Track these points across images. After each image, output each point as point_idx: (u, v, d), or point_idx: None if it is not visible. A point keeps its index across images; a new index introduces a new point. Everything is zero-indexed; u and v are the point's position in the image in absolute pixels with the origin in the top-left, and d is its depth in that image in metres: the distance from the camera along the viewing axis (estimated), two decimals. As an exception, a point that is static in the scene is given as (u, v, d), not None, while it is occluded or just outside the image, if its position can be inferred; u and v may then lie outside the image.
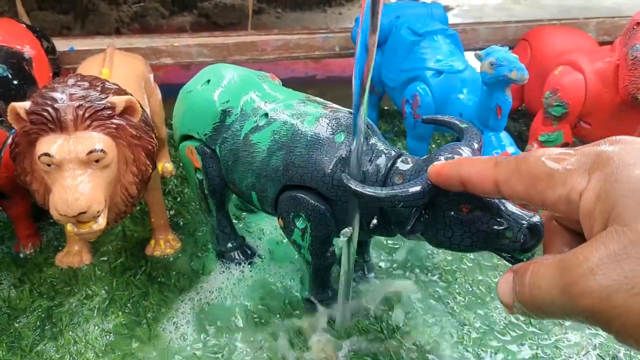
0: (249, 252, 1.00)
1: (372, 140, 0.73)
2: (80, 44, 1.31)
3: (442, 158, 0.61)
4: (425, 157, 0.65)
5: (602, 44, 1.28)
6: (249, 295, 0.92)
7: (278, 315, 0.88)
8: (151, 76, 1.15)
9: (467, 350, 0.83)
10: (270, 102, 0.81)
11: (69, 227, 0.75)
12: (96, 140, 0.73)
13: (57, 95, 0.73)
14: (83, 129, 0.73)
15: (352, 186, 0.63)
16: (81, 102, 0.73)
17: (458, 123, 0.69)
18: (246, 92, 0.84)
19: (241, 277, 0.95)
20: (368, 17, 0.57)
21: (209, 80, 0.87)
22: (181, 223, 1.10)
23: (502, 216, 0.59)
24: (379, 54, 1.25)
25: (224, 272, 0.97)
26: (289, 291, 0.93)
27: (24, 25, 1.12)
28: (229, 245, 0.98)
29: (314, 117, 0.76)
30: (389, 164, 0.70)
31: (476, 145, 0.64)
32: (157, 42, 1.34)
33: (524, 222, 0.58)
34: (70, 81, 0.77)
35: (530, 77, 0.88)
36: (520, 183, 0.36)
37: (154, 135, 0.83)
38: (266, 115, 0.80)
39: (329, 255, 0.82)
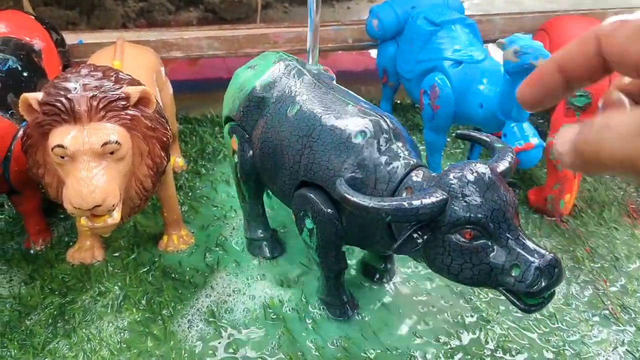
0: (278, 246, 0.98)
1: (395, 145, 0.68)
2: (89, 37, 1.29)
3: (452, 176, 0.55)
4: (439, 173, 0.59)
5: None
6: (266, 291, 0.89)
7: (296, 312, 0.86)
8: (162, 69, 1.12)
9: (492, 347, 0.80)
10: (307, 94, 0.78)
11: (83, 222, 0.72)
12: (111, 131, 0.70)
13: (70, 85, 0.71)
14: (97, 120, 0.70)
15: (341, 190, 0.58)
16: (95, 93, 0.70)
17: (493, 142, 0.64)
18: (287, 82, 0.82)
19: (257, 273, 0.93)
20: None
21: (256, 66, 0.87)
22: (193, 217, 1.08)
23: (510, 249, 0.52)
24: (394, 45, 1.22)
25: (239, 267, 0.94)
26: (306, 287, 0.90)
27: (33, 17, 1.10)
28: (259, 234, 0.96)
29: (339, 114, 0.72)
30: (403, 174, 0.65)
31: (503, 166, 0.57)
32: (167, 35, 1.31)
33: (535, 259, 0.50)
34: (84, 71, 0.75)
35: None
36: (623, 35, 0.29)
37: (168, 127, 0.81)
38: (298, 106, 0.77)
39: (338, 260, 0.78)
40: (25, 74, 0.93)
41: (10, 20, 1.03)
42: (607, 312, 0.87)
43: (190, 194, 1.15)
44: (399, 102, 1.52)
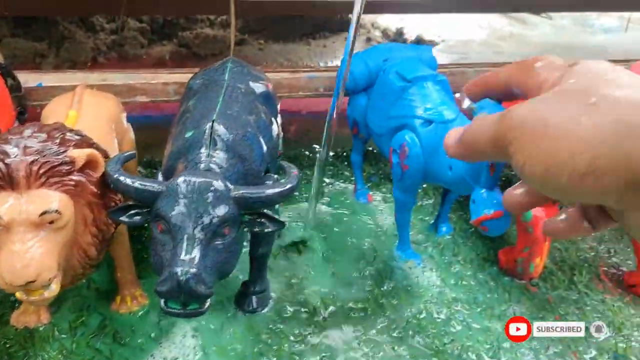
0: None
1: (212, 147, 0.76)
2: (51, 78, 1.24)
3: (181, 174, 0.67)
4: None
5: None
6: (224, 354, 0.84)
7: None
8: (124, 115, 1.08)
9: None
10: (204, 91, 0.93)
11: (18, 295, 0.67)
12: (51, 199, 0.66)
13: (9, 148, 0.66)
14: (37, 187, 0.65)
15: (107, 167, 0.70)
16: (36, 157, 0.66)
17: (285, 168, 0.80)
18: (208, 78, 0.97)
19: (217, 337, 0.88)
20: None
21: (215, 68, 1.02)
22: (150, 272, 1.02)
23: (176, 251, 0.60)
24: (365, 98, 1.19)
25: (197, 331, 0.89)
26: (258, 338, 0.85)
27: (-13, 62, 1.05)
28: None
29: (198, 113, 0.85)
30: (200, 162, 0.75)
31: (244, 190, 0.70)
32: (134, 78, 1.27)
33: (172, 266, 0.58)
34: (27, 132, 0.70)
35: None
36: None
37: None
38: (194, 100, 0.92)
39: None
40: (-29, 126, 0.88)
41: (-40, 66, 0.98)
42: (577, 389, 0.83)
43: (148, 246, 1.09)
44: (370, 149, 1.48)
